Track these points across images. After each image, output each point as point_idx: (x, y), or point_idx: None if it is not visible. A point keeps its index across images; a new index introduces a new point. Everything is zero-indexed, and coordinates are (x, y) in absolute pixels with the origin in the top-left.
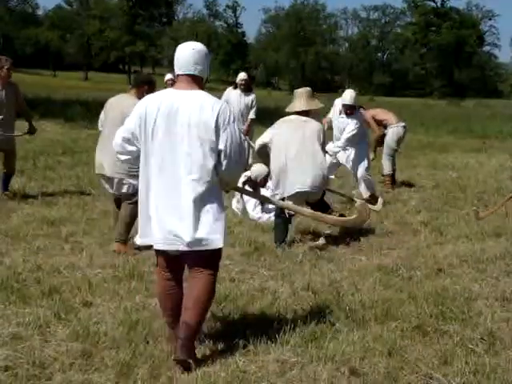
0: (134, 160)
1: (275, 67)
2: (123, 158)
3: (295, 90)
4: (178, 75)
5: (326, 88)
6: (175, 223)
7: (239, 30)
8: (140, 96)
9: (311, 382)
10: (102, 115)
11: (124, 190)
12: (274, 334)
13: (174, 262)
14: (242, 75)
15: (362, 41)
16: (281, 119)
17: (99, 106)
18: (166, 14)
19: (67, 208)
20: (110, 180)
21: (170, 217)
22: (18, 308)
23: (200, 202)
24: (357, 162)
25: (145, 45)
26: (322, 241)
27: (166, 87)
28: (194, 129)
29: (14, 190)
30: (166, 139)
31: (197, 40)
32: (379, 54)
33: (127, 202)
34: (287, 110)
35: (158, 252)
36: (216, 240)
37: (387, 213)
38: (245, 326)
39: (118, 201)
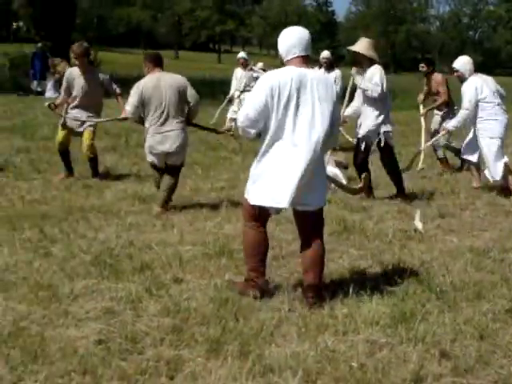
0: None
1: None
2: (252, 131)
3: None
4: (298, 56)
5: (416, 67)
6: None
7: (329, 9)
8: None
9: (401, 364)
10: (139, 98)
11: (179, 161)
12: (363, 314)
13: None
14: (325, 53)
15: (453, 19)
16: None
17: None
18: None
19: None
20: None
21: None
22: (110, 283)
23: (322, 166)
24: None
25: (235, 24)
26: (418, 224)
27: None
28: (323, 103)
29: (107, 169)
30: (299, 111)
31: (286, 19)
32: (471, 33)
33: (176, 173)
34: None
35: (264, 209)
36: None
37: (479, 194)
38: (333, 305)
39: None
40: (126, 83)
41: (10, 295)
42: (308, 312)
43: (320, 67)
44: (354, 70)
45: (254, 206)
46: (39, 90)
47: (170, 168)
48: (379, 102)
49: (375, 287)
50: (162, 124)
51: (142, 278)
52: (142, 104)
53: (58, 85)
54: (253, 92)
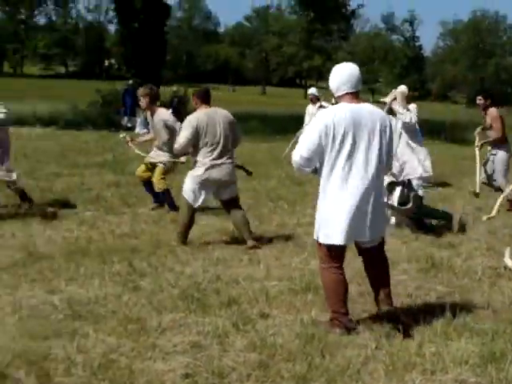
0: None
1: (452, 80)
2: (307, 170)
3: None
4: (347, 92)
5: (505, 101)
6: (366, 217)
7: (416, 44)
8: None
9: None
10: (194, 131)
11: (234, 193)
12: (451, 353)
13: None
14: (401, 88)
15: None
16: None
17: (276, 120)
18: (343, 28)
19: None
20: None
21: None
22: (198, 317)
23: (381, 199)
24: None
25: (322, 59)
26: (509, 262)
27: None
28: (378, 136)
29: None
30: (355, 147)
31: (373, 54)
32: None
33: (237, 206)
34: None
35: (337, 247)
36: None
37: None
38: (421, 343)
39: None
40: None
41: (100, 327)
42: (395, 350)
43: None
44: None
45: (325, 245)
46: (129, 125)
47: (229, 202)
48: None
49: (464, 325)
50: (218, 156)
51: (228, 313)
52: (196, 137)
53: (147, 121)
54: (307, 131)
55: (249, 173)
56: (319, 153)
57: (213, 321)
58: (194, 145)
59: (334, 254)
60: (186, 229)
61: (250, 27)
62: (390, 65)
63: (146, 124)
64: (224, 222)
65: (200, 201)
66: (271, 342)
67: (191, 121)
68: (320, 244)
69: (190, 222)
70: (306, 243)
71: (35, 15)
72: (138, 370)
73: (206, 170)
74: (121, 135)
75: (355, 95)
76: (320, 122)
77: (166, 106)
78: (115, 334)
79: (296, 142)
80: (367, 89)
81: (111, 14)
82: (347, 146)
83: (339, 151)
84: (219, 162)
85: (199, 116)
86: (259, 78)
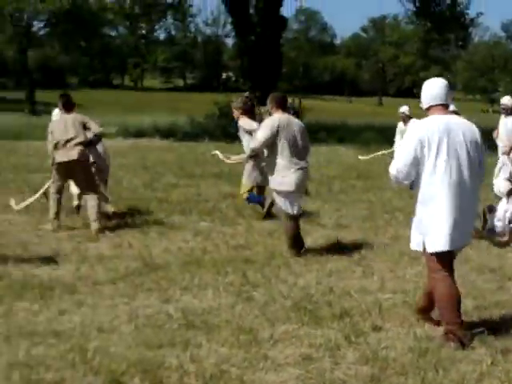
0: None
1: None
2: (405, 182)
3: None
4: (437, 104)
5: None
6: (468, 222)
7: None
8: None
9: None
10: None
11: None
12: None
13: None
14: (504, 100)
15: None
16: None
17: (393, 131)
18: (461, 37)
19: (359, 231)
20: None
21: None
22: (310, 329)
23: (474, 206)
24: None
25: (439, 69)
26: None
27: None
28: (468, 145)
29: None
30: (449, 156)
31: (493, 63)
32: None
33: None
34: None
35: (445, 254)
36: None
37: None
38: None
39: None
40: (332, 130)
41: (212, 337)
42: None
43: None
44: None
45: (433, 254)
46: None
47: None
48: None
49: None
50: (298, 160)
51: (341, 325)
52: (275, 137)
53: None
54: (403, 145)
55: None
56: (415, 165)
57: (325, 333)
58: (271, 145)
59: (443, 261)
60: (294, 239)
61: (367, 38)
62: (510, 74)
63: None
64: (338, 234)
65: (296, 207)
66: (383, 356)
67: (273, 120)
68: (428, 253)
69: (295, 231)
70: (420, 256)
71: (155, 30)
72: (249, 381)
73: (292, 174)
74: (212, 152)
75: (444, 107)
76: (414, 135)
77: None
78: (228, 344)
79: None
80: (486, 98)
81: (229, 27)
82: (442, 156)
83: (435, 162)
84: (299, 166)
85: (279, 119)
86: (375, 88)
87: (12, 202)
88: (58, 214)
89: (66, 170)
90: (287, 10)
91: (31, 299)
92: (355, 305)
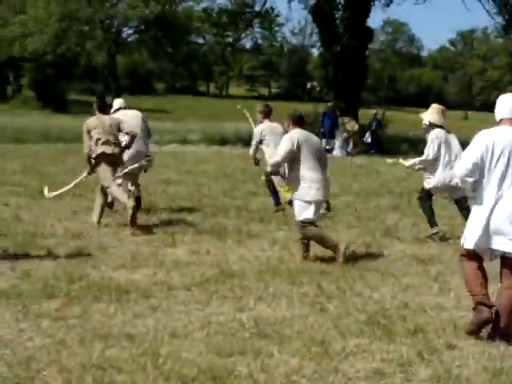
0: None
1: None
2: (470, 180)
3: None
4: (507, 118)
5: None
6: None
7: None
8: None
9: None
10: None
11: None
12: None
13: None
14: None
15: None
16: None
17: None
18: None
19: (438, 246)
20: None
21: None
22: (382, 344)
23: None
24: None
25: None
26: None
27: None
28: None
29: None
30: (508, 163)
31: None
32: None
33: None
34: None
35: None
36: None
37: None
38: None
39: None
40: (415, 143)
41: (284, 348)
42: None
43: None
44: None
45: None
46: (328, 148)
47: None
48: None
49: None
50: (320, 172)
51: (414, 341)
52: (296, 151)
53: (345, 144)
54: (470, 147)
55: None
56: (480, 167)
57: (397, 348)
58: (293, 160)
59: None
60: (328, 243)
61: (454, 51)
62: None
63: (344, 147)
64: (416, 248)
65: (312, 210)
66: (456, 374)
67: (292, 135)
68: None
69: (320, 232)
70: (498, 273)
71: (242, 38)
72: None
73: (309, 188)
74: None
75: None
76: (481, 140)
77: (364, 128)
78: (299, 355)
79: None
80: None
81: (315, 37)
82: (503, 162)
83: (495, 167)
84: (320, 178)
85: (298, 132)
86: (461, 102)
87: (45, 190)
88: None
89: (110, 161)
90: (374, 21)
91: (107, 302)
92: (430, 321)
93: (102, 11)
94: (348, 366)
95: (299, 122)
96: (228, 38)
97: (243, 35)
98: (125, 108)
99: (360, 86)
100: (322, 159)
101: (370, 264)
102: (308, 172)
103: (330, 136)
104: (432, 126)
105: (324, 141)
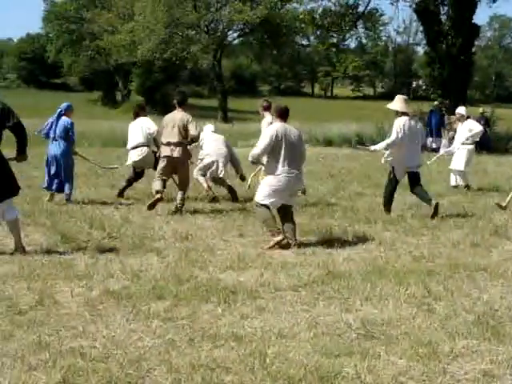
0: None
1: None
2: None
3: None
4: None
5: None
6: None
7: None
8: None
9: None
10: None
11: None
12: None
13: None
14: None
15: None
16: None
17: None
18: None
19: None
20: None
21: None
22: (491, 345)
23: None
24: None
25: None
26: None
27: None
28: None
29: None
30: None
31: None
32: None
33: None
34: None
35: None
36: None
37: None
38: None
39: None
40: None
41: (391, 349)
42: None
43: None
44: None
45: None
46: (434, 146)
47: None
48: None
49: None
50: (294, 166)
51: None
52: (272, 147)
53: (450, 143)
54: None
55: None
56: None
57: (507, 350)
58: (271, 152)
59: None
60: (270, 227)
61: None
62: None
63: (448, 146)
64: None
65: (274, 199)
66: None
67: (272, 129)
68: None
69: (269, 215)
70: None
71: (346, 39)
72: None
73: (282, 179)
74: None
75: None
76: None
77: None
78: (406, 356)
79: None
80: None
81: (420, 35)
82: None
83: None
84: (294, 171)
85: (279, 126)
86: None
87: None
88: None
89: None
90: (480, 17)
91: (215, 302)
92: None
93: (207, 16)
94: (456, 367)
95: (283, 115)
96: (332, 39)
97: (347, 35)
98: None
99: (466, 83)
100: (298, 153)
101: (479, 264)
102: (282, 164)
103: (437, 135)
104: None
105: (431, 139)
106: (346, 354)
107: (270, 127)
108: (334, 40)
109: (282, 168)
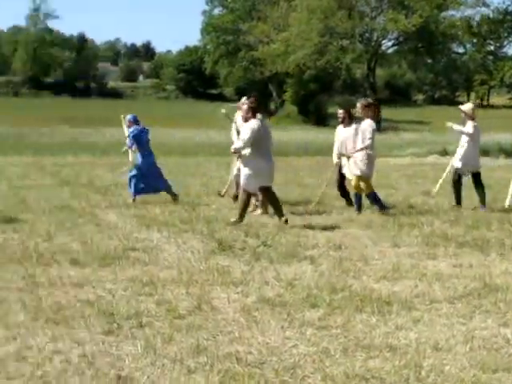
0: None
1: None
2: None
3: None
4: None
5: None
6: None
7: None
8: None
9: None
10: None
11: None
12: None
13: None
14: None
15: None
16: None
17: None
18: None
19: None
20: None
21: None
22: None
23: None
24: None
25: None
26: None
27: None
28: None
29: None
30: None
31: None
32: None
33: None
34: None
35: None
36: None
37: None
38: None
39: None
40: None
41: None
42: None
43: None
44: None
45: None
46: None
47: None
48: None
49: None
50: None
51: None
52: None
53: None
54: None
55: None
56: None
57: None
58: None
59: None
60: (245, 209)
61: None
62: None
63: None
64: None
65: (255, 185)
66: None
67: (255, 124)
68: None
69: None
70: None
71: (504, 46)
72: None
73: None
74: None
75: None
76: None
77: None
78: None
79: None
80: None
81: None
82: None
83: None
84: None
85: (259, 121)
86: None
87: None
88: None
89: None
90: None
91: (369, 312)
92: None
93: (361, 25)
94: None
95: (257, 112)
96: (489, 46)
97: (505, 42)
98: None
99: None
100: (270, 145)
101: None
102: (261, 156)
103: None
104: None
105: None
106: (504, 369)
107: (251, 122)
108: (491, 47)
109: (263, 160)
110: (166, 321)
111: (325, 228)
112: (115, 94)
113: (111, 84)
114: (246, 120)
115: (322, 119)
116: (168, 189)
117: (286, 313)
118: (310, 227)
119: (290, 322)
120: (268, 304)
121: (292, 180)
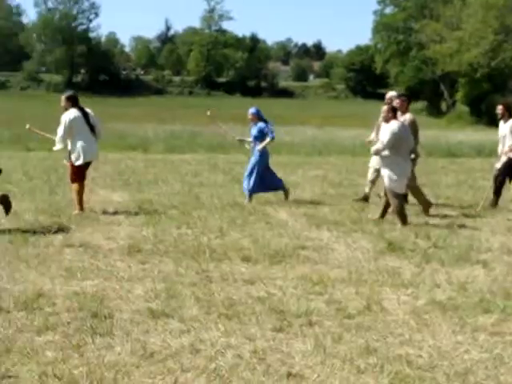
0: None
1: None
2: None
3: None
4: None
5: None
6: None
7: None
8: None
9: None
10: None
11: None
12: None
13: None
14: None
15: None
16: None
17: None
18: None
19: None
20: None
21: None
22: None
23: None
24: None
25: None
26: None
27: None
28: None
29: None
30: None
31: None
32: None
33: None
34: None
35: None
36: None
37: None
38: None
39: None
40: None
41: None
42: None
43: None
44: None
45: None
46: None
47: None
48: None
49: None
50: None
51: None
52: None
53: None
54: None
55: None
56: None
57: None
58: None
59: None
60: None
61: None
62: None
63: None
64: None
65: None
66: None
67: (68, 115)
68: None
69: None
70: None
71: None
72: None
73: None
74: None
75: None
76: None
77: None
78: None
79: None
80: None
81: None
82: None
83: None
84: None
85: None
86: None
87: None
88: None
89: None
90: None
91: None
92: None
93: None
94: None
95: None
96: None
97: None
98: None
99: None
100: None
101: None
102: (402, 157)
103: None
104: None
105: None
106: None
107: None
108: None
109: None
110: (336, 320)
111: (499, 231)
112: (286, 93)
113: (282, 83)
114: (386, 121)
115: (494, 120)
116: (283, 187)
117: (458, 317)
118: (481, 230)
119: (461, 327)
120: (439, 307)
121: (464, 181)
